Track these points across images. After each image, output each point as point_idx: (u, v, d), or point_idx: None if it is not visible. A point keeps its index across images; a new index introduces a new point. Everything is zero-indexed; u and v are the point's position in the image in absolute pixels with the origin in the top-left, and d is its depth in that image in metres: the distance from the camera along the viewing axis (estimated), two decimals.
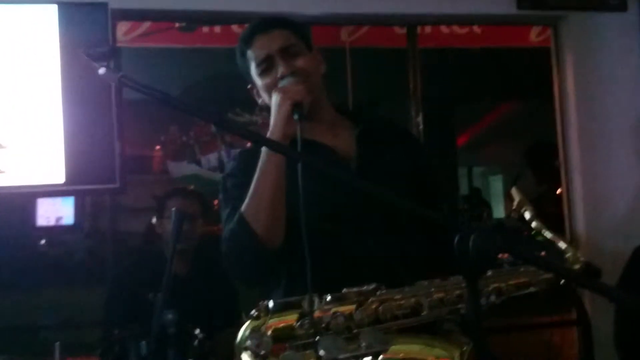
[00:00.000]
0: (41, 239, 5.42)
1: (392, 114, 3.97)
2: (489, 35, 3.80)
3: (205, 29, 3.56)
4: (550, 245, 1.35)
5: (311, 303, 1.15)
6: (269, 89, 1.46)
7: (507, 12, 3.01)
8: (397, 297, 1.24)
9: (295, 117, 1.35)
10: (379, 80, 4.29)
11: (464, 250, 0.90)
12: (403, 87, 3.18)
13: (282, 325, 1.14)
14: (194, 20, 3.22)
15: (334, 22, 3.36)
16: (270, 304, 1.15)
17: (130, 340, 1.94)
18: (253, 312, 1.15)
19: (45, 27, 2.59)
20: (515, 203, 1.41)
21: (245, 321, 1.15)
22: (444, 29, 3.74)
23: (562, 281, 1.35)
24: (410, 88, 3.16)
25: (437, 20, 3.37)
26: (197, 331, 1.98)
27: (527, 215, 1.38)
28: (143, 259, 2.66)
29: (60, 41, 2.58)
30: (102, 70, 1.20)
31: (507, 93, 5.54)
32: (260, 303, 1.16)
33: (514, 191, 1.43)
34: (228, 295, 2.60)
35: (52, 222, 5.66)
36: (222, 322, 2.24)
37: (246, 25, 1.56)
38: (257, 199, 1.36)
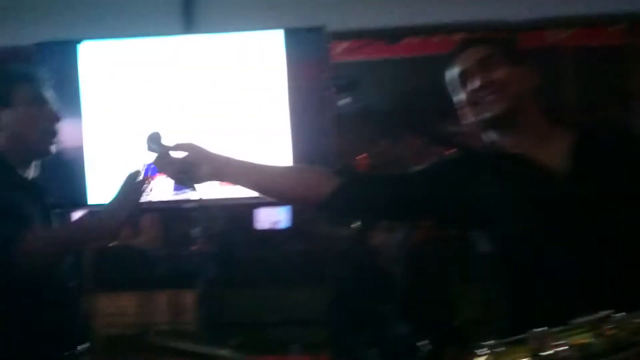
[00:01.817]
0: (259, 241, 5.92)
1: (615, 119, 3.64)
2: None
3: (407, 40, 3.61)
4: None
5: (541, 338, 1.07)
6: (465, 104, 1.46)
7: None
8: (635, 320, 1.11)
9: None
10: (597, 82, 3.96)
11: None
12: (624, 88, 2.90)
13: None
14: (401, 35, 3.29)
15: (540, 26, 3.20)
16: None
17: (361, 346, 2.01)
18: (480, 351, 1.11)
19: (273, 50, 2.81)
20: None
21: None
22: None
23: None
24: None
25: None
26: (424, 343, 2.00)
27: None
28: (364, 268, 2.74)
29: (287, 63, 2.78)
30: (344, 101, 1.27)
31: None
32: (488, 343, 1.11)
33: None
34: (443, 304, 2.58)
35: (269, 226, 6.18)
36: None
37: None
38: None
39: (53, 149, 1.69)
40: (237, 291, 5.42)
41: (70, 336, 1.64)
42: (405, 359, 1.89)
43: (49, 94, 1.68)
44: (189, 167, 1.40)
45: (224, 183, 1.53)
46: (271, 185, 1.45)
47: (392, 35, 3.31)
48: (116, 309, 5.74)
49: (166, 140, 1.43)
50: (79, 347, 1.64)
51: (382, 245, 2.42)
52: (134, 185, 1.51)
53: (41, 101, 1.65)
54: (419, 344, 1.87)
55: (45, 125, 1.65)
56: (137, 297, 5.89)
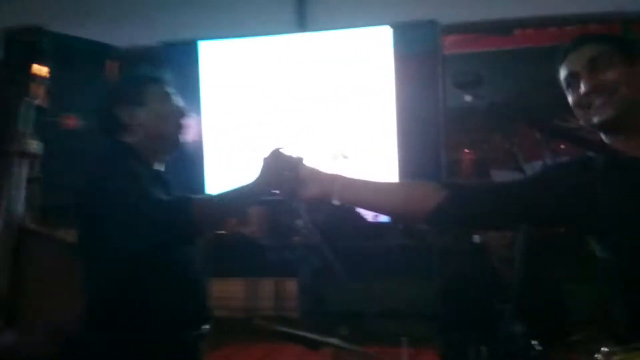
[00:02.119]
0: (361, 233, 5.99)
1: None
2: None
3: (519, 31, 3.50)
4: None
5: None
6: (575, 106, 1.38)
7: None
8: None
9: None
10: None
11: None
12: None
13: None
14: (513, 26, 3.19)
15: None
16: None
17: (471, 343, 2.00)
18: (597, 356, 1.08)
19: (380, 46, 2.84)
20: None
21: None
22: None
23: None
24: None
25: None
26: (535, 343, 1.96)
27: None
28: (474, 264, 2.72)
29: (395, 58, 2.80)
30: (468, 98, 1.26)
31: None
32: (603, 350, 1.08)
33: None
34: (555, 305, 2.51)
35: (371, 219, 6.22)
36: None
37: None
38: None
39: (182, 141, 1.77)
40: (338, 282, 5.51)
41: (195, 317, 1.72)
42: (514, 358, 1.86)
43: (174, 92, 1.78)
44: (299, 185, 1.46)
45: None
46: (377, 203, 1.47)
47: (504, 28, 3.22)
48: (225, 293, 6.04)
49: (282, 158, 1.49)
50: (202, 328, 1.73)
51: (494, 243, 2.38)
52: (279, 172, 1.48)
53: (169, 99, 1.76)
54: (530, 343, 1.84)
55: (174, 120, 1.74)
56: (244, 283, 6.16)
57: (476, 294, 2.29)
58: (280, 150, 1.50)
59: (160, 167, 1.76)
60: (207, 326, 1.74)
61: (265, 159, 1.51)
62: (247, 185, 1.54)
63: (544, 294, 2.36)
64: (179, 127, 1.75)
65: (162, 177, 1.74)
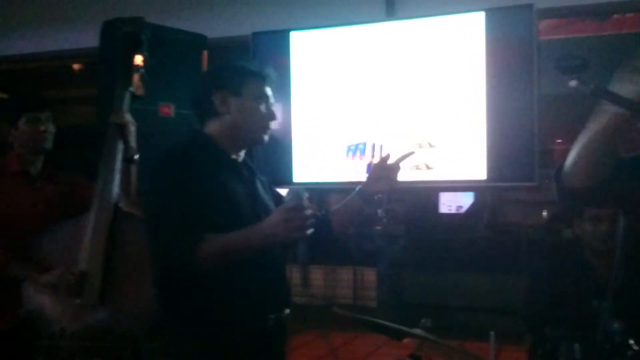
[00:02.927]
0: (443, 225, 5.91)
1: None
2: None
3: (617, 16, 3.32)
4: None
5: None
6: None
7: None
8: None
9: None
10: None
11: None
12: None
13: None
14: (611, 11, 3.02)
15: None
16: None
17: (562, 340, 1.93)
18: None
19: (471, 32, 2.77)
20: None
21: None
22: None
23: None
24: None
25: None
26: (632, 342, 1.87)
27: None
28: (564, 259, 2.62)
29: (487, 44, 2.72)
30: (573, 83, 1.21)
31: None
32: None
33: None
34: None
35: (453, 210, 6.13)
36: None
37: None
38: None
39: (264, 141, 1.79)
40: (418, 273, 5.46)
41: (277, 300, 1.74)
42: (609, 357, 1.78)
43: (271, 94, 1.79)
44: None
45: None
46: None
47: (601, 12, 3.05)
48: (306, 280, 6.14)
49: (304, 198, 1.52)
50: (285, 311, 1.74)
51: (587, 236, 2.28)
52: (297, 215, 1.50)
53: (265, 98, 1.76)
54: (627, 342, 1.75)
55: (263, 121, 1.76)
56: (325, 270, 6.25)
57: (569, 289, 2.19)
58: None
59: (238, 157, 1.78)
60: (288, 310, 1.76)
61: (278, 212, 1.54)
62: (257, 230, 1.56)
63: None
64: (265, 127, 1.77)
65: (237, 166, 1.77)
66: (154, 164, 1.72)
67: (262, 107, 1.75)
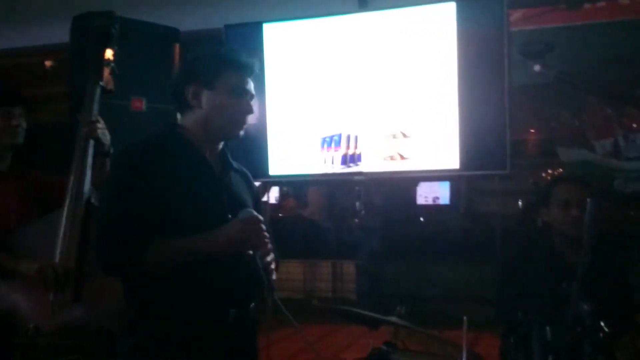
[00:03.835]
0: (420, 216, 5.97)
1: None
2: None
3: (589, 5, 3.36)
4: None
5: None
6: None
7: None
8: None
9: None
10: None
11: None
12: None
13: None
14: (581, 1, 3.07)
15: None
16: None
17: (534, 324, 1.97)
18: None
19: (442, 23, 2.80)
20: None
21: None
22: None
23: None
24: None
25: None
26: (602, 324, 1.91)
27: None
28: (534, 246, 2.66)
29: (458, 35, 2.75)
30: (537, 68, 1.24)
31: None
32: None
33: None
34: (623, 292, 2.42)
35: (429, 202, 6.19)
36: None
37: None
38: None
39: (239, 136, 1.68)
40: (397, 264, 5.50)
41: (240, 294, 1.64)
42: (579, 339, 1.82)
43: (250, 86, 1.67)
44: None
45: None
46: None
47: (573, 1, 3.09)
48: (284, 274, 6.15)
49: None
50: (249, 306, 1.66)
51: (557, 222, 2.32)
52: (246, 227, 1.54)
53: (241, 91, 1.65)
54: (598, 324, 1.79)
55: (238, 116, 1.65)
56: (303, 264, 6.26)
57: (539, 274, 2.23)
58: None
59: (214, 151, 1.70)
60: (253, 304, 1.69)
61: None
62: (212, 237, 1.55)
63: (611, 274, 2.30)
64: (240, 122, 1.66)
65: (205, 162, 1.66)
66: (113, 159, 1.67)
67: (237, 101, 1.64)
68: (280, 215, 6.65)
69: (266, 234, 1.58)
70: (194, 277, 1.57)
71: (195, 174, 1.63)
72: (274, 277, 1.62)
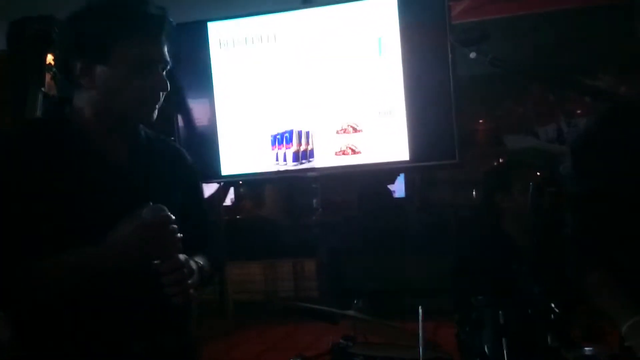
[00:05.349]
0: (378, 209, 6.02)
1: None
2: None
3: None
4: None
5: None
6: None
7: None
8: None
9: None
10: None
11: None
12: None
13: None
14: None
15: None
16: None
17: (487, 309, 2.00)
18: None
19: (385, 16, 2.83)
20: None
21: None
22: None
23: None
24: None
25: None
26: (553, 305, 1.96)
27: None
28: (487, 232, 2.72)
29: (400, 27, 2.79)
30: (473, 55, 1.26)
31: None
32: None
33: None
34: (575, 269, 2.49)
35: (385, 195, 6.26)
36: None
37: None
38: None
39: (151, 120, 1.30)
40: (357, 259, 5.53)
41: (147, 323, 1.28)
42: (533, 321, 1.86)
43: (159, 51, 1.24)
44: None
45: None
46: None
47: None
48: (245, 276, 6.10)
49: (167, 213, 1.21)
50: (161, 336, 1.30)
51: (507, 205, 2.37)
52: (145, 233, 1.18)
53: (145, 62, 1.23)
54: (549, 305, 1.83)
55: (144, 94, 1.25)
56: (263, 265, 6.22)
57: (490, 260, 2.28)
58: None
59: (113, 149, 1.31)
60: (166, 335, 1.33)
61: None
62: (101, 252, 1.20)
63: (560, 254, 2.36)
64: (149, 103, 1.27)
65: (97, 157, 1.29)
66: None
67: (142, 75, 1.23)
68: (237, 217, 6.59)
69: (177, 236, 1.22)
70: (85, 303, 1.23)
71: (81, 170, 1.26)
72: (193, 292, 1.23)
